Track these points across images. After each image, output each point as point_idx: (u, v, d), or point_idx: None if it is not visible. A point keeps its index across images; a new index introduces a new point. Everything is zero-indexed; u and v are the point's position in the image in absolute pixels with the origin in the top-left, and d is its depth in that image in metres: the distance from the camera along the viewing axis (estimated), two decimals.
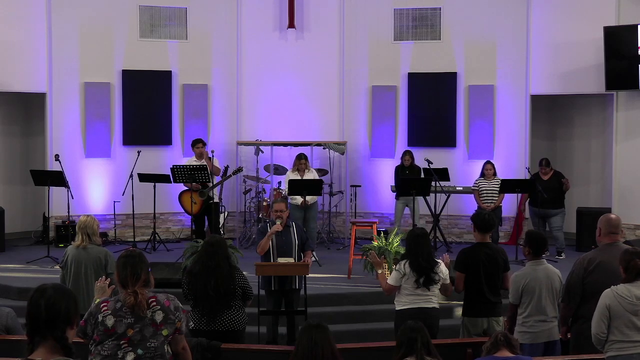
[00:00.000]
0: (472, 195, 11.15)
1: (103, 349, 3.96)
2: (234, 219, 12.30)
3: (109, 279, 5.22)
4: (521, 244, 7.00)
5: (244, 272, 6.20)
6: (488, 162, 11.06)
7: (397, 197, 11.34)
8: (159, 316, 4.00)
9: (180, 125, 12.32)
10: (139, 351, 3.95)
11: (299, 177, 10.59)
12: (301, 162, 10.76)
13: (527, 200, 11.24)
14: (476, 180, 11.08)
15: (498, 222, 10.92)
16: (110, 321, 3.97)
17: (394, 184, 11.43)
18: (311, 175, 10.73)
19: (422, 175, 11.05)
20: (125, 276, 4.06)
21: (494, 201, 10.79)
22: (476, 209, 10.76)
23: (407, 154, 11.29)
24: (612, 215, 5.74)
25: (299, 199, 10.43)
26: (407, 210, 11.36)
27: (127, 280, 4.04)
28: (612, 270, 5.27)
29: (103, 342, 3.97)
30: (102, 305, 4.05)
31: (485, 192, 10.85)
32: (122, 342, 3.94)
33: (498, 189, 10.79)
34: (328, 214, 12.08)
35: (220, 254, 5.99)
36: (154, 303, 4.02)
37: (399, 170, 11.33)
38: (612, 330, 4.84)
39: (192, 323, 5.91)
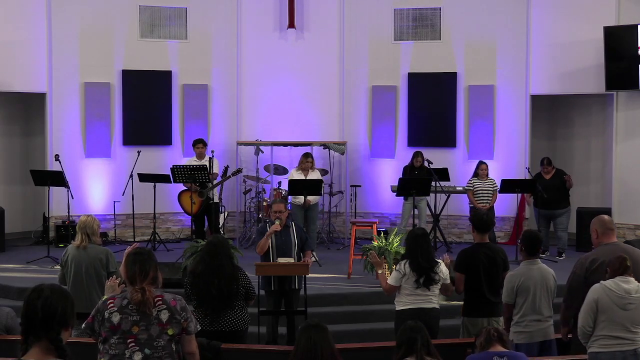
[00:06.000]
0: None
1: (111, 348, 3.97)
2: (234, 219, 12.30)
3: (119, 278, 5.21)
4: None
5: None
6: (483, 162, 11.03)
7: (405, 198, 10.94)
8: (164, 315, 3.99)
9: (180, 125, 12.32)
10: (147, 351, 3.95)
11: (303, 177, 10.59)
12: (307, 160, 10.73)
13: (532, 201, 11.07)
14: (470, 180, 11.02)
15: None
16: (115, 318, 3.97)
17: (396, 184, 11.24)
18: (315, 175, 10.70)
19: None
20: (133, 273, 4.06)
21: (488, 201, 10.77)
22: (472, 208, 10.77)
23: (419, 155, 11.00)
24: (604, 216, 5.79)
25: (301, 199, 10.43)
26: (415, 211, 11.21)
27: (135, 277, 4.04)
28: None
29: (109, 339, 3.97)
30: (108, 302, 4.05)
31: (479, 192, 10.82)
32: (129, 340, 3.94)
33: (492, 189, 10.78)
34: (328, 214, 12.08)
35: (223, 254, 6.00)
36: (160, 302, 4.01)
37: (407, 171, 11.11)
38: (598, 324, 4.86)
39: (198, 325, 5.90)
